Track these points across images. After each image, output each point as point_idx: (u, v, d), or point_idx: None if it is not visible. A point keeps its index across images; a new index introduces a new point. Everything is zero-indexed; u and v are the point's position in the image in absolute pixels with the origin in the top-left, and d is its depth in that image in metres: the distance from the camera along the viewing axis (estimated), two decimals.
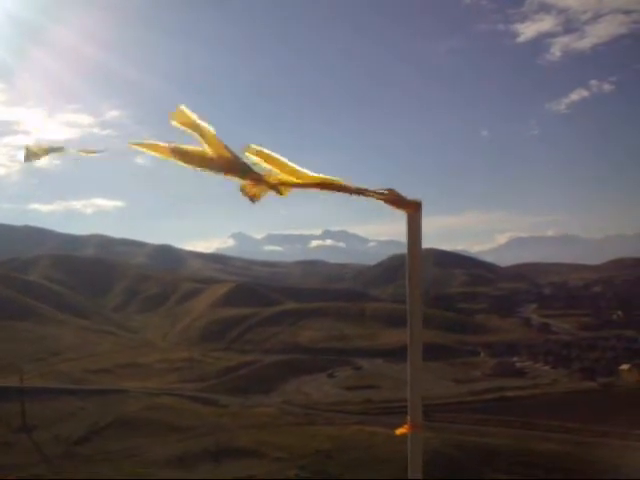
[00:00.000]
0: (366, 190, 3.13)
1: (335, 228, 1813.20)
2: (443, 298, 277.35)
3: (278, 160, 3.08)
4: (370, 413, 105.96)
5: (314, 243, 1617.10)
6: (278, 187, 3.09)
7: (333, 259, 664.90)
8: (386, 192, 3.19)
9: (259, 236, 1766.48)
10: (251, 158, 3.07)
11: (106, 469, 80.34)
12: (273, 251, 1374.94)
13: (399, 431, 3.42)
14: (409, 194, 3.32)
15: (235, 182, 3.05)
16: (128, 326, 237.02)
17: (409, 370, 3.41)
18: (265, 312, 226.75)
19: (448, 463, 75.55)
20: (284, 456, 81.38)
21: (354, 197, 3.18)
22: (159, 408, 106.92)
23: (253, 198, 3.09)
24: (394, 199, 3.20)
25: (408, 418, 3.41)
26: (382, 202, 3.21)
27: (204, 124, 2.98)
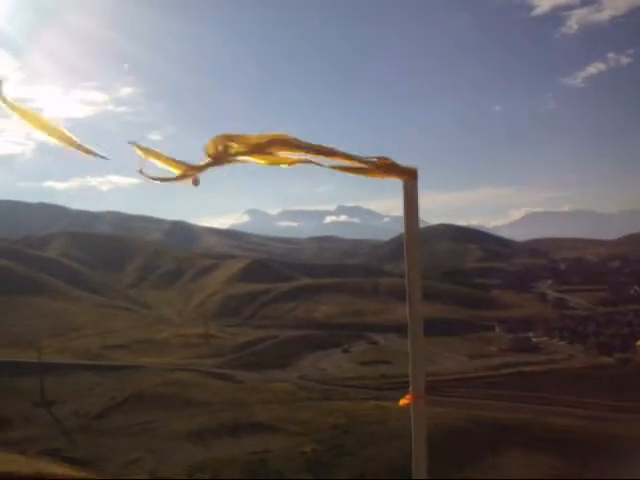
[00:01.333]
0: (357, 157, 3.02)
1: (349, 204, 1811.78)
2: (458, 273, 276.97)
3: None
4: (385, 388, 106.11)
5: (328, 219, 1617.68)
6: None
7: (347, 235, 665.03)
8: (376, 160, 3.09)
9: (274, 212, 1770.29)
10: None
11: (124, 442, 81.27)
12: (288, 227, 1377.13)
13: (402, 402, 3.50)
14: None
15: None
16: (144, 302, 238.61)
17: (410, 342, 3.44)
18: (280, 288, 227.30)
19: (464, 438, 75.70)
20: (301, 431, 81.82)
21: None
22: (175, 383, 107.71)
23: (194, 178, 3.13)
24: (388, 167, 3.13)
25: (410, 389, 3.43)
26: (375, 172, 3.12)
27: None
